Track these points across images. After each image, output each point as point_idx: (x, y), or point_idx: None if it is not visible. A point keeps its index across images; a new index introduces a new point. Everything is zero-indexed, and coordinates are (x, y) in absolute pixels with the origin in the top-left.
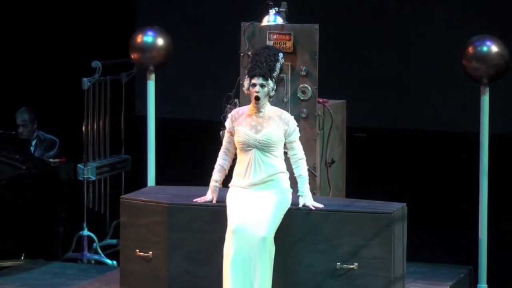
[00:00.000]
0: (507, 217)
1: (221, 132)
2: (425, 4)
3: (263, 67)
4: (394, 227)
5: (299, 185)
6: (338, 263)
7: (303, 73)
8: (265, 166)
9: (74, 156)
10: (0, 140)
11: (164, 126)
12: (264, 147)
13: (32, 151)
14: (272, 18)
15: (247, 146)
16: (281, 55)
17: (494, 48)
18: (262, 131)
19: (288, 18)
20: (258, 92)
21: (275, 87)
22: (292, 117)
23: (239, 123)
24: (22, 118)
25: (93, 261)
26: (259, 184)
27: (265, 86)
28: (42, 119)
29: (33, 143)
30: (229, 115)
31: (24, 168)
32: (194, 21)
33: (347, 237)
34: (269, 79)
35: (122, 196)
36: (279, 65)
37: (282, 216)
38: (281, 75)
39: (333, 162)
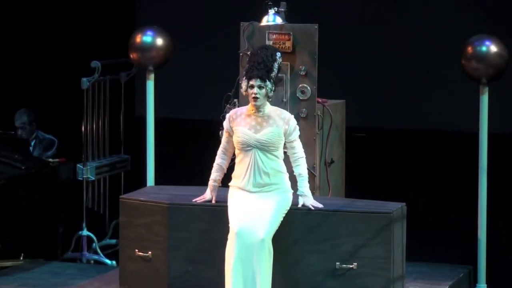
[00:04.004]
0: (507, 216)
1: (220, 132)
2: (424, 4)
3: (260, 68)
4: (393, 227)
5: (298, 184)
6: (338, 263)
7: (302, 73)
8: (265, 168)
9: (73, 156)
10: (0, 140)
11: (164, 126)
12: (264, 147)
13: (31, 151)
14: (271, 18)
15: (247, 146)
16: (278, 54)
17: (493, 48)
18: (262, 131)
19: (288, 18)
20: (256, 93)
21: (273, 87)
22: (292, 116)
23: (238, 123)
24: (20, 121)
25: (92, 261)
26: (260, 187)
27: (263, 88)
28: (41, 119)
29: (32, 143)
30: (227, 116)
31: (23, 168)
32: (194, 20)
33: (346, 236)
34: (267, 80)
35: (121, 196)
36: (277, 65)
37: (282, 217)
38: (281, 75)
39: (332, 162)
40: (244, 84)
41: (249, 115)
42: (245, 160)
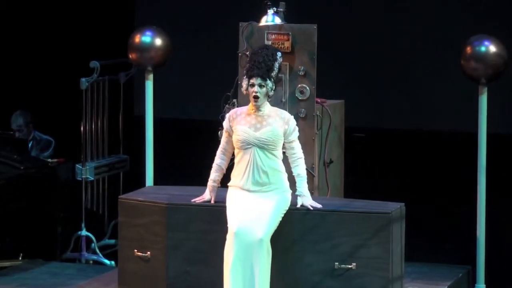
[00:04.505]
0: (505, 217)
1: (219, 132)
2: (425, 4)
3: (261, 67)
4: (392, 227)
5: (297, 184)
6: (336, 263)
7: (301, 73)
8: (264, 166)
9: (72, 156)
10: None
11: (162, 126)
12: (264, 146)
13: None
14: (270, 18)
15: (247, 145)
16: (279, 54)
17: (492, 48)
18: (262, 129)
19: (286, 18)
20: (257, 92)
21: (273, 87)
22: (292, 116)
23: (238, 122)
24: (16, 124)
25: (91, 261)
26: (259, 186)
27: (263, 86)
28: (40, 119)
29: (30, 144)
30: (227, 115)
31: (22, 168)
32: (193, 21)
33: (345, 237)
34: (268, 79)
35: (120, 196)
36: (277, 65)
37: (281, 217)
38: (279, 75)
39: (331, 162)
40: (244, 83)
41: (249, 114)
42: (245, 159)
